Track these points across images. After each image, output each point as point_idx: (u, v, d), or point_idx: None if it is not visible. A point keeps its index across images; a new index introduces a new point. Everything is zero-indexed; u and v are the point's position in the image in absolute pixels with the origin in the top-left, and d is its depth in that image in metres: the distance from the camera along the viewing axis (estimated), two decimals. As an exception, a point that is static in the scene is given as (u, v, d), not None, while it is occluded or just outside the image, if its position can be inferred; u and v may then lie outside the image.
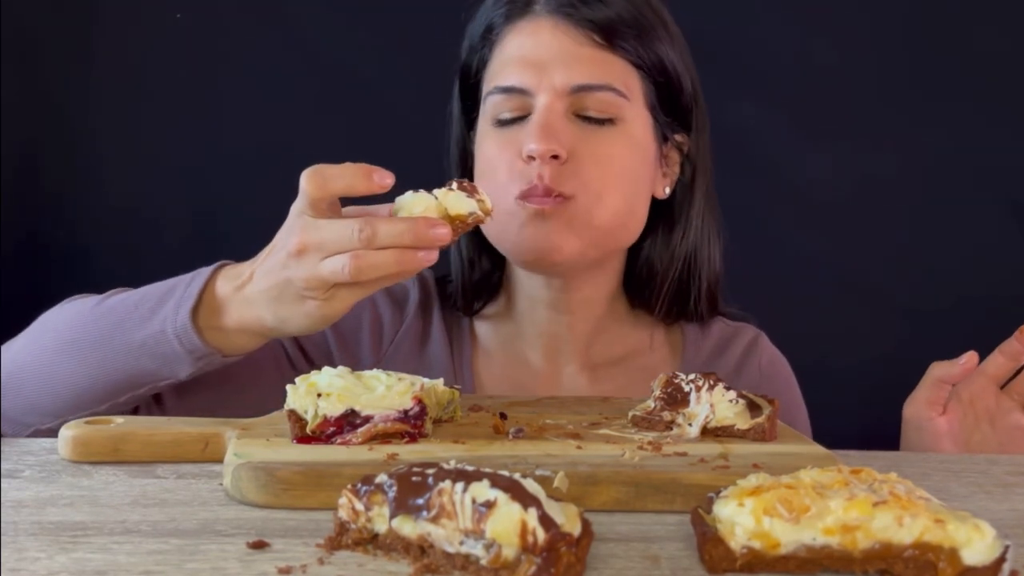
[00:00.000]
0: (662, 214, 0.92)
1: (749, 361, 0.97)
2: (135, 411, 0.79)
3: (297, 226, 0.66)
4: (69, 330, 0.76)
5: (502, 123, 0.84)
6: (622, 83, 0.83)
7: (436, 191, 0.67)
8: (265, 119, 1.35)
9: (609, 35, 0.82)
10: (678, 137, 0.90)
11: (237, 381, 0.81)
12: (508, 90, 0.82)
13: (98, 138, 1.33)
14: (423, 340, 0.93)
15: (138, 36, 1.33)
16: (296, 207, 0.68)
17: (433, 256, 0.66)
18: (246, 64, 1.34)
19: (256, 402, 0.78)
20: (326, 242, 0.65)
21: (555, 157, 0.80)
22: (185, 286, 0.73)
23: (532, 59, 0.82)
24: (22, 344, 0.78)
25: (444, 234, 0.65)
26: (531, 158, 0.80)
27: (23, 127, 1.30)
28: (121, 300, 0.77)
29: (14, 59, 1.29)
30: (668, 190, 0.91)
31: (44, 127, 1.32)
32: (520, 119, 0.83)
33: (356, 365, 0.85)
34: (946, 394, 0.83)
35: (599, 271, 0.91)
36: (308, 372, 0.84)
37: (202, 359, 0.73)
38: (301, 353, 0.89)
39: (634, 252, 0.94)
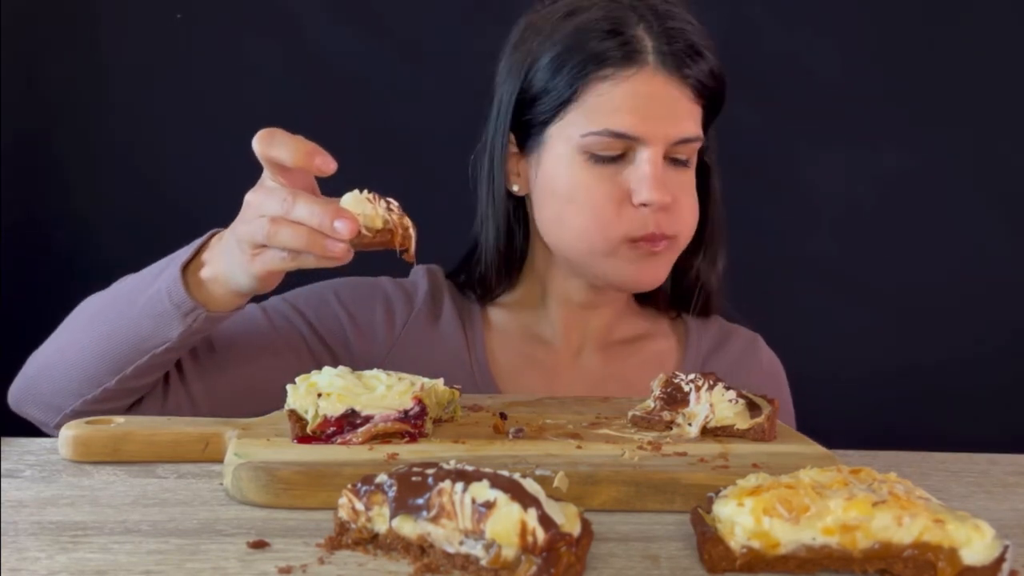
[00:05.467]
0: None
1: (751, 360, 1.02)
2: (166, 387, 0.82)
3: (257, 184, 0.72)
4: (94, 306, 0.81)
5: (601, 159, 0.87)
6: (702, 131, 0.91)
7: (377, 203, 0.69)
8: (265, 119, 1.34)
9: (702, 92, 0.89)
10: (705, 158, 0.96)
11: (254, 363, 0.86)
12: (619, 135, 0.86)
13: (98, 137, 1.32)
14: (434, 321, 0.97)
15: (138, 36, 1.33)
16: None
17: (338, 248, 0.67)
18: (246, 64, 1.34)
19: (274, 386, 0.79)
20: (261, 203, 0.69)
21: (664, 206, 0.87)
22: (188, 247, 0.78)
23: (645, 111, 0.86)
24: (56, 332, 0.83)
25: (344, 230, 0.66)
26: (643, 205, 0.86)
27: (23, 126, 1.30)
28: (144, 271, 0.81)
29: (14, 58, 1.29)
30: None
31: (44, 127, 1.32)
32: (618, 158, 0.87)
33: (371, 352, 0.93)
34: None
35: None
36: (325, 355, 0.90)
37: (189, 315, 0.75)
38: (318, 339, 0.92)
39: None
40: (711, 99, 0.91)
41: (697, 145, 0.90)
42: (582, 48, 0.87)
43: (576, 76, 0.88)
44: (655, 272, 0.91)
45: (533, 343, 0.98)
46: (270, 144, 0.69)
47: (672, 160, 0.89)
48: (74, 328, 0.81)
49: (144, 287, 0.78)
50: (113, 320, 0.78)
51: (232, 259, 0.73)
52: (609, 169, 0.88)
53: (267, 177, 0.72)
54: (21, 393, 0.82)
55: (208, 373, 0.84)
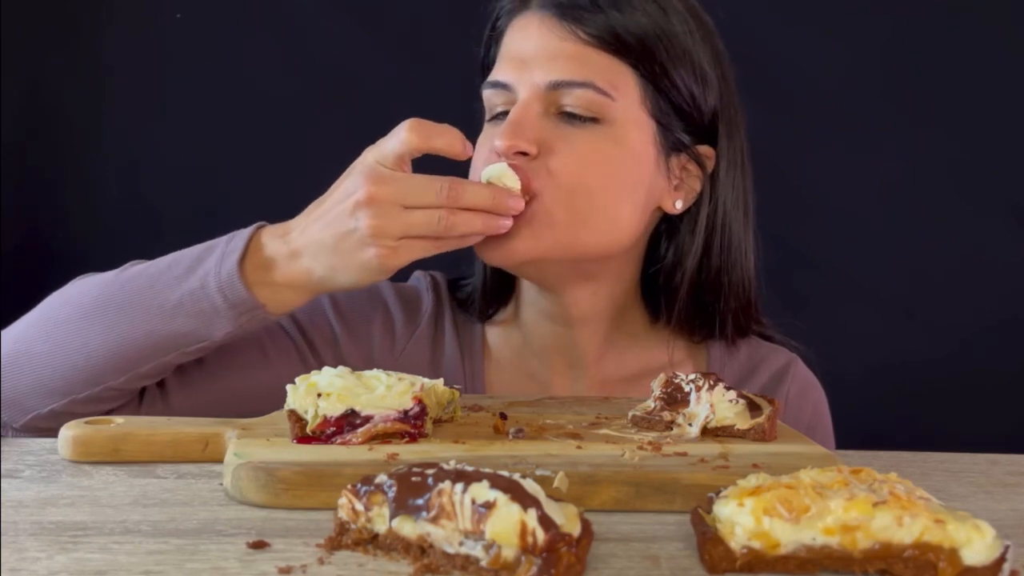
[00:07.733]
0: (685, 227, 0.88)
1: (778, 389, 0.93)
2: (141, 395, 0.78)
3: (370, 176, 0.69)
4: (89, 299, 0.75)
5: (493, 117, 0.85)
6: (607, 82, 0.80)
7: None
8: (265, 119, 1.35)
9: (597, 34, 0.80)
10: (700, 150, 0.86)
11: (243, 371, 0.81)
12: (495, 85, 0.83)
13: (98, 137, 1.33)
14: (435, 351, 0.90)
15: (138, 36, 1.33)
16: (370, 157, 0.71)
17: (509, 223, 0.74)
18: (246, 64, 1.34)
19: (260, 396, 0.77)
20: (408, 194, 0.68)
21: (523, 154, 0.78)
22: (226, 243, 0.74)
23: (518, 55, 0.82)
24: (26, 325, 0.77)
25: (519, 206, 0.74)
26: (500, 155, 0.79)
27: (23, 126, 1.30)
28: (149, 265, 0.76)
29: (14, 58, 1.29)
30: (680, 204, 0.86)
31: (43, 126, 1.32)
32: (506, 115, 0.82)
33: (367, 362, 0.86)
34: None
35: (594, 283, 0.87)
36: (316, 365, 0.85)
37: (244, 315, 0.72)
38: (311, 350, 0.87)
39: (653, 264, 0.90)
40: (623, 49, 0.80)
41: (589, 95, 0.79)
42: (493, 9, 0.87)
43: (489, 40, 0.87)
44: (499, 244, 0.78)
45: (528, 379, 0.90)
46: (430, 136, 0.69)
47: (566, 115, 0.80)
48: (62, 321, 0.74)
49: (174, 281, 0.73)
50: (132, 316, 0.73)
51: (336, 258, 0.70)
52: (495, 127, 0.82)
53: (382, 165, 0.69)
54: None
55: (192, 384, 0.80)
